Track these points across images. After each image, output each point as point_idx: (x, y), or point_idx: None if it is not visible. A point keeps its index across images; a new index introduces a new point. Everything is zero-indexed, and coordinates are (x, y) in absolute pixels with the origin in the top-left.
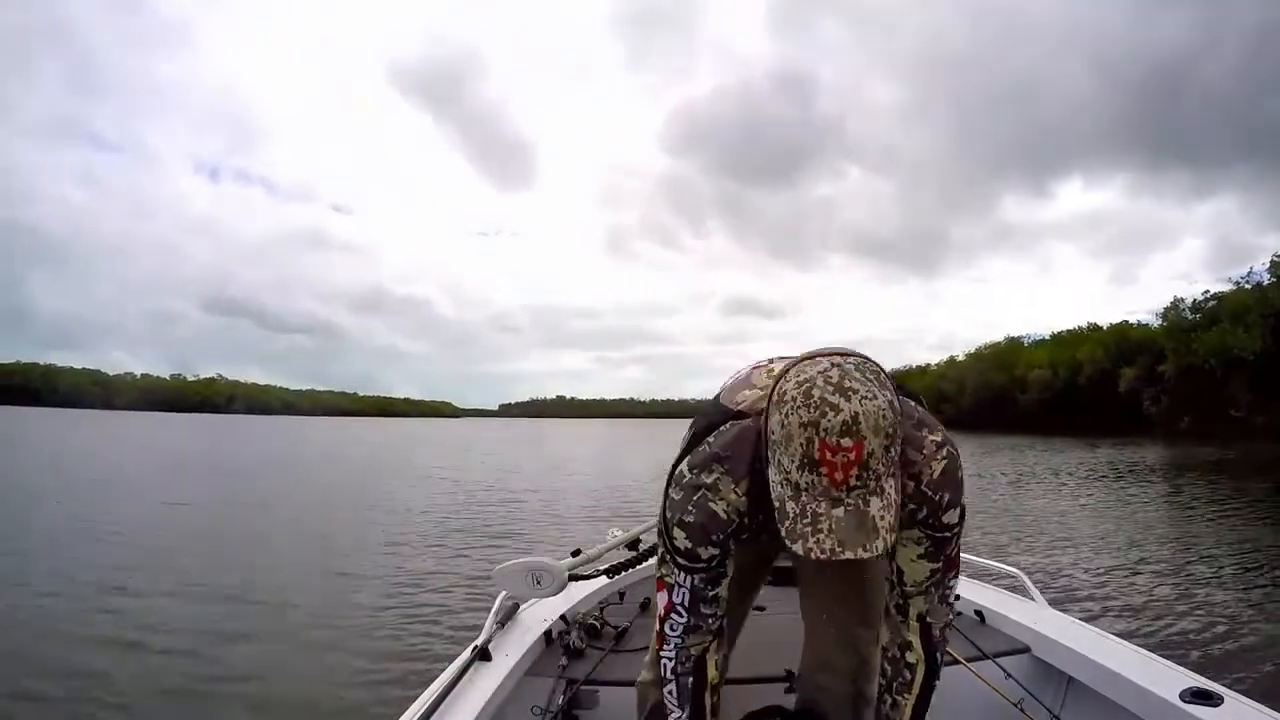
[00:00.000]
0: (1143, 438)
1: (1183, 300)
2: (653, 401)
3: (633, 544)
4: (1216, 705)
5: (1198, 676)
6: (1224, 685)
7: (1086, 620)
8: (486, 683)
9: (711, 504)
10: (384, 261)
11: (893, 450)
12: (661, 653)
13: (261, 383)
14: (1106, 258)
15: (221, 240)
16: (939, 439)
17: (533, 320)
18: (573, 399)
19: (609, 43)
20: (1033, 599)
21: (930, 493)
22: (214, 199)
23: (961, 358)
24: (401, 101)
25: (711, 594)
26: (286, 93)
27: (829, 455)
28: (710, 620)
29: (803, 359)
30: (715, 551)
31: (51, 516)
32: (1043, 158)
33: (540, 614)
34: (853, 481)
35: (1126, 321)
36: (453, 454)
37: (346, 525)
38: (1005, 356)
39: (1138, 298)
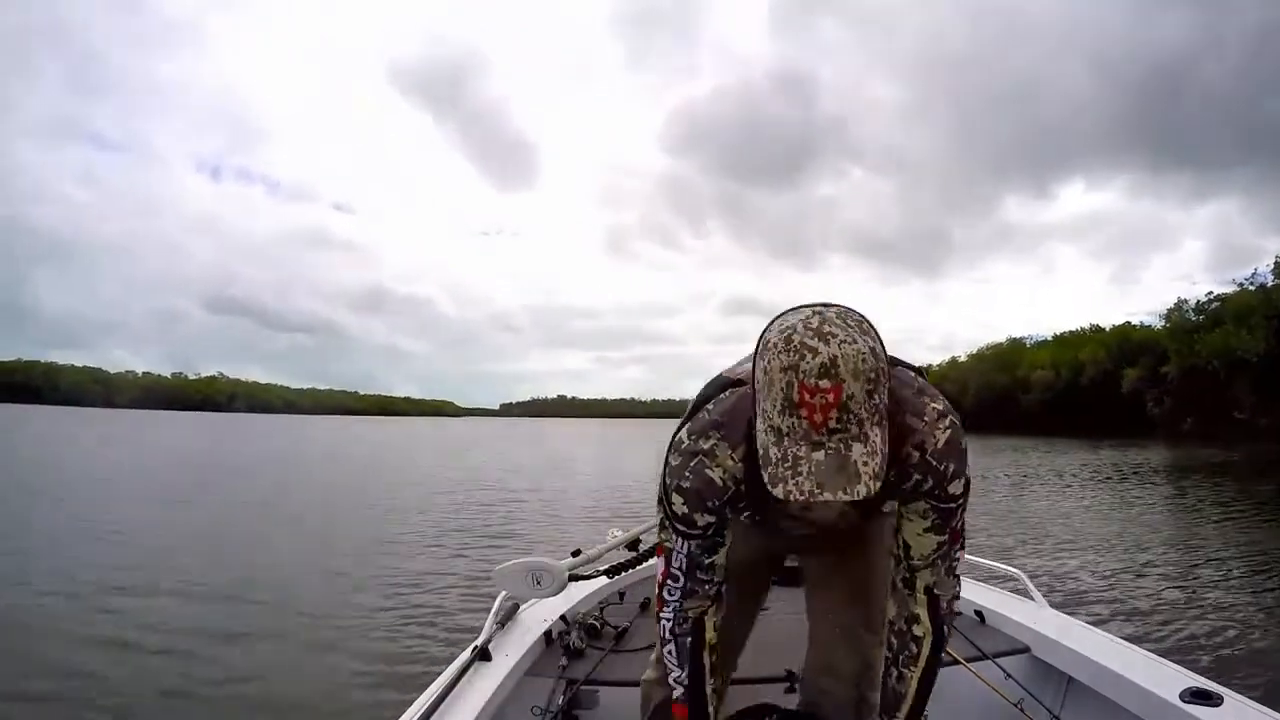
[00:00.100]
0: (1145, 439)
1: (1186, 301)
2: (653, 401)
3: (633, 544)
4: (1216, 705)
5: (1198, 677)
6: (1224, 686)
7: (1090, 621)
8: (486, 683)
9: (708, 470)
10: (385, 261)
11: (876, 398)
12: (661, 615)
13: (262, 381)
14: (1108, 259)
15: (223, 239)
16: (941, 408)
17: (533, 320)
18: (573, 399)
19: (609, 42)
20: (1033, 599)
21: (935, 462)
22: (215, 198)
23: (963, 358)
24: (402, 101)
25: (708, 561)
26: (288, 92)
27: (808, 397)
28: (707, 586)
29: (787, 311)
30: (711, 519)
31: (50, 515)
32: (1044, 159)
33: (540, 614)
34: (832, 424)
35: (1129, 322)
36: (453, 453)
37: (346, 525)
38: (1007, 357)
39: (1139, 299)
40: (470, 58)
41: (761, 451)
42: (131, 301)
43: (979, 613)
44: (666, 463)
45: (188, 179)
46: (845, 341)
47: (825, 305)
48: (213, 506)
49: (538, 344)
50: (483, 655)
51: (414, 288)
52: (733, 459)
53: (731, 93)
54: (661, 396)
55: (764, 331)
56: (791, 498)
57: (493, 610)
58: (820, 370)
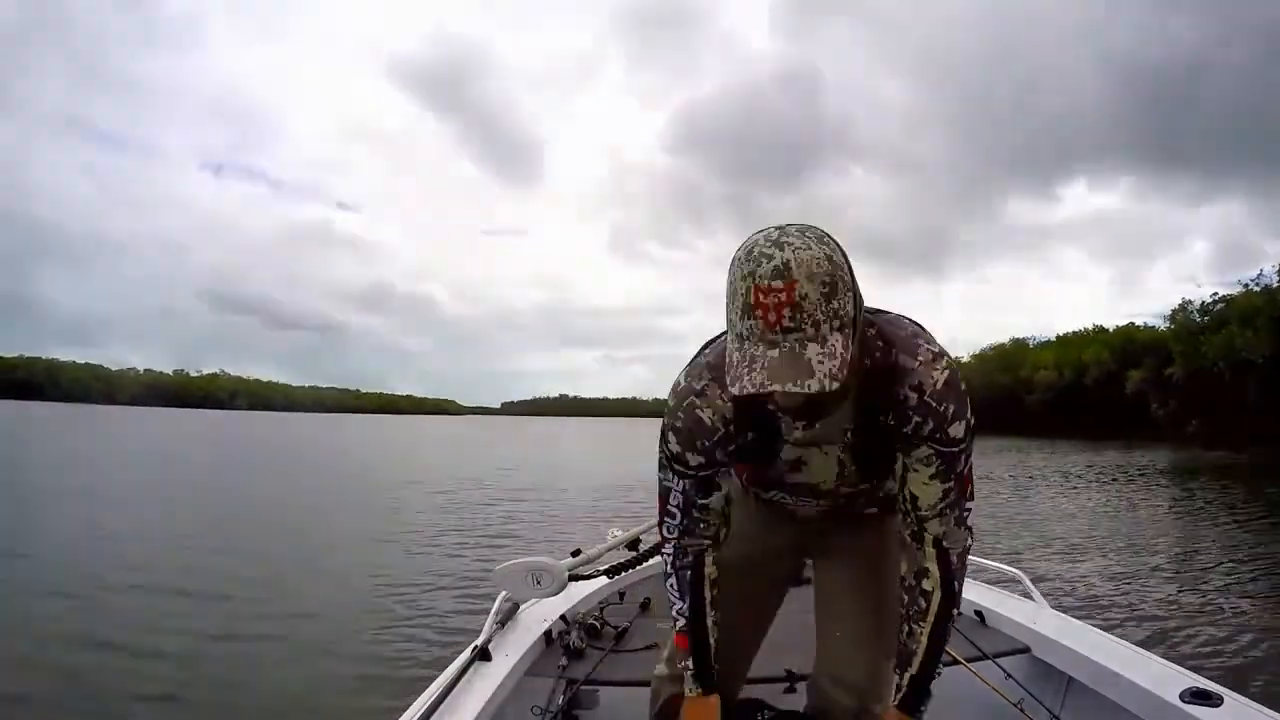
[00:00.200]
0: (1150, 441)
1: (1190, 302)
2: (654, 401)
3: (633, 544)
4: (1216, 705)
5: (1198, 677)
6: (1224, 686)
7: (1090, 622)
8: (486, 683)
9: (699, 410)
10: (388, 259)
11: (835, 303)
12: (663, 550)
13: (264, 379)
14: (1111, 260)
15: (226, 237)
16: (936, 349)
17: (537, 319)
18: (575, 397)
19: (615, 42)
20: (1033, 599)
21: (934, 403)
22: (219, 195)
23: (966, 359)
24: (407, 98)
25: (702, 502)
26: (292, 90)
27: (762, 298)
28: (703, 526)
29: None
30: (702, 459)
31: (45, 513)
32: (1048, 159)
33: (540, 614)
34: (786, 323)
35: (1133, 323)
36: (453, 453)
37: (345, 524)
38: (1010, 357)
39: (1142, 300)
40: (475, 55)
41: (727, 360)
42: (134, 298)
43: (979, 613)
44: (666, 404)
45: (191, 176)
46: (800, 248)
47: (789, 224)
48: (211, 505)
49: (541, 343)
50: (483, 655)
51: (417, 286)
52: (722, 399)
53: (736, 92)
54: (664, 396)
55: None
56: (745, 391)
57: (493, 610)
58: (774, 272)
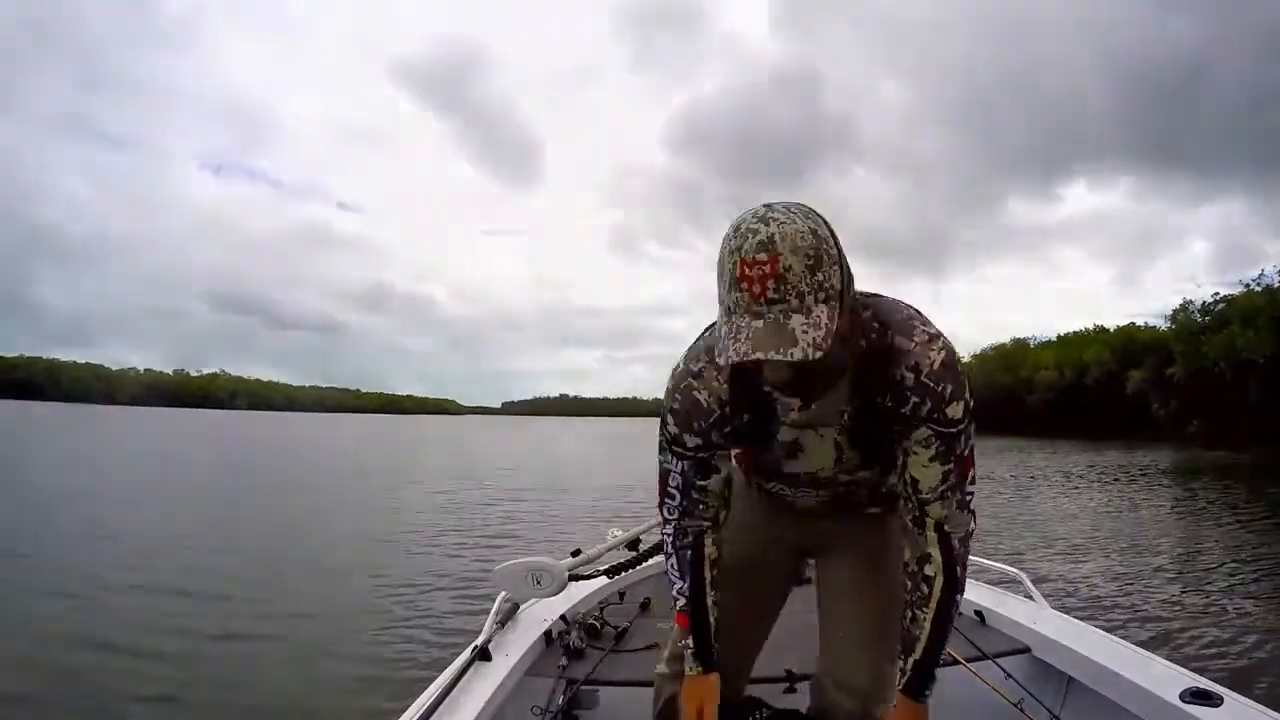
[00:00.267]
0: (1151, 441)
1: (1191, 302)
2: (654, 400)
3: (633, 544)
4: (1216, 705)
5: (1198, 677)
6: (1224, 685)
7: (1090, 622)
8: (486, 683)
9: (696, 393)
10: (389, 259)
11: (820, 275)
12: (663, 530)
13: (264, 379)
14: (1112, 260)
15: (226, 237)
16: (934, 331)
17: (537, 318)
18: (576, 397)
19: (616, 42)
20: (1033, 599)
21: (932, 384)
22: (219, 195)
23: (967, 359)
24: (407, 99)
25: (701, 483)
26: (293, 90)
27: (747, 270)
28: (702, 507)
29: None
30: (699, 440)
31: (40, 513)
32: (1049, 159)
33: (540, 614)
34: (770, 294)
35: (1133, 323)
36: (453, 452)
37: (345, 524)
38: (1011, 357)
39: (1143, 301)
40: (477, 56)
41: (718, 334)
42: (134, 298)
43: (979, 613)
44: (666, 387)
45: (191, 176)
46: (784, 223)
47: (777, 201)
48: (210, 505)
49: (541, 343)
50: (483, 655)
51: (417, 286)
52: (718, 381)
53: (737, 92)
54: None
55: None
56: (729, 360)
57: (493, 610)
58: (758, 246)
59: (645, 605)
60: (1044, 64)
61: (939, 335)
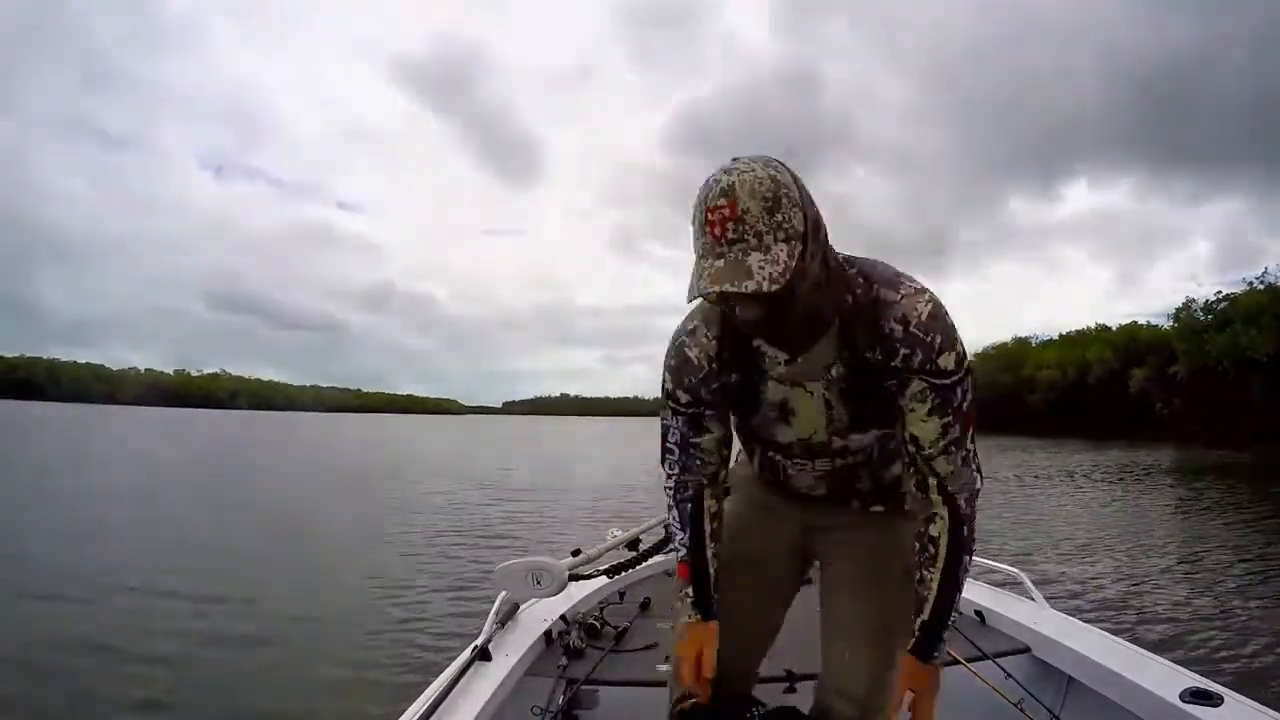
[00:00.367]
0: (1154, 440)
1: (1194, 301)
2: (655, 400)
3: (633, 544)
4: (1216, 705)
5: (1198, 676)
6: (1224, 685)
7: (1091, 621)
8: (486, 683)
9: (687, 349)
10: (390, 258)
11: (779, 216)
12: (666, 486)
13: (265, 379)
14: (1113, 259)
15: (227, 237)
16: (919, 286)
17: (538, 318)
18: (577, 397)
19: (616, 42)
20: (1033, 599)
21: (921, 334)
22: (220, 195)
23: (969, 357)
24: (407, 99)
25: (695, 440)
26: (293, 90)
27: (710, 215)
28: (699, 464)
29: None
30: (689, 397)
31: (41, 514)
32: (1049, 158)
33: (540, 614)
34: (730, 235)
35: (1136, 322)
36: (454, 452)
37: (344, 524)
38: (1012, 357)
39: (1143, 299)
40: (475, 55)
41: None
42: (135, 298)
43: (979, 613)
44: (666, 347)
45: (192, 175)
46: (744, 170)
47: (745, 155)
48: (210, 506)
49: (542, 342)
50: (483, 655)
51: (418, 286)
52: (708, 338)
53: (737, 91)
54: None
55: None
56: (692, 296)
57: (493, 610)
58: (720, 193)
59: (645, 605)
60: (1045, 63)
61: (926, 289)
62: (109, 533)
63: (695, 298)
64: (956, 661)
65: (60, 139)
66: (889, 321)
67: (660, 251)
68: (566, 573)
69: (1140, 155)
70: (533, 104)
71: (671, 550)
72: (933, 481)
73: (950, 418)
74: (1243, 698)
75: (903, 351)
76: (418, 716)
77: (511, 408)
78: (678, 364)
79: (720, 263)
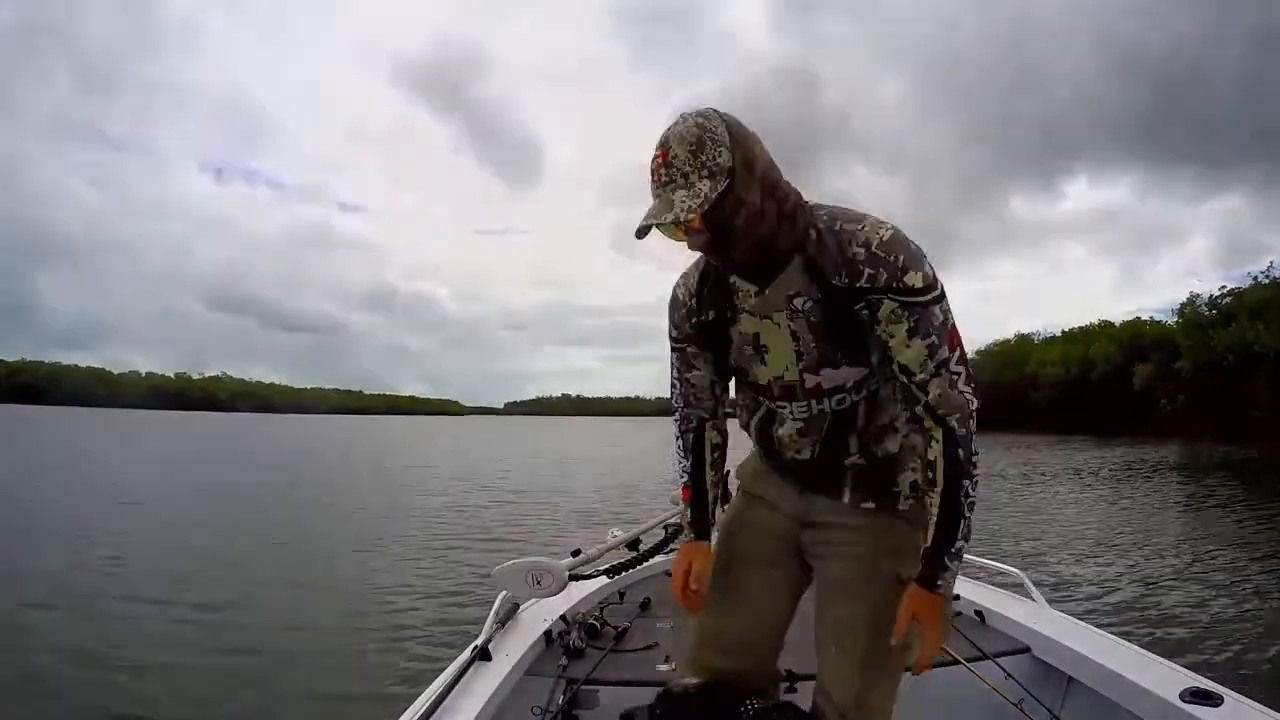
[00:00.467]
0: (1159, 436)
1: (1199, 296)
2: (657, 400)
3: (633, 544)
4: (1216, 705)
5: (1198, 676)
6: (1224, 685)
7: (1091, 621)
8: (486, 683)
9: (677, 289)
10: (391, 259)
11: (703, 156)
12: (673, 418)
13: (267, 380)
14: (1114, 256)
15: (227, 239)
16: (882, 220)
17: (539, 318)
18: (578, 397)
19: (616, 41)
20: (1033, 599)
21: (883, 254)
22: (220, 197)
23: (971, 355)
24: (407, 99)
25: (688, 375)
26: (293, 91)
27: (651, 165)
28: (694, 399)
29: None
30: (675, 331)
31: (36, 517)
32: (1051, 155)
33: (540, 614)
34: (663, 177)
35: (1139, 318)
36: (454, 453)
37: (345, 525)
38: (1015, 354)
39: (1145, 295)
40: (475, 55)
41: None
42: (136, 301)
43: (979, 613)
44: None
45: (192, 178)
46: (678, 122)
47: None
48: (210, 507)
49: (544, 342)
50: (483, 655)
51: (419, 286)
52: (692, 277)
53: (736, 89)
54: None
55: None
56: (636, 234)
57: (493, 610)
58: (658, 144)
59: (645, 605)
60: (1045, 60)
61: (888, 222)
62: (107, 537)
63: (636, 235)
64: (956, 661)
65: (60, 142)
66: (852, 246)
67: (662, 251)
68: (566, 573)
69: (1141, 152)
70: (533, 103)
71: (672, 550)
72: (925, 407)
73: (934, 338)
74: (1243, 698)
75: (867, 272)
76: (418, 716)
77: (513, 408)
78: (670, 302)
79: (655, 204)
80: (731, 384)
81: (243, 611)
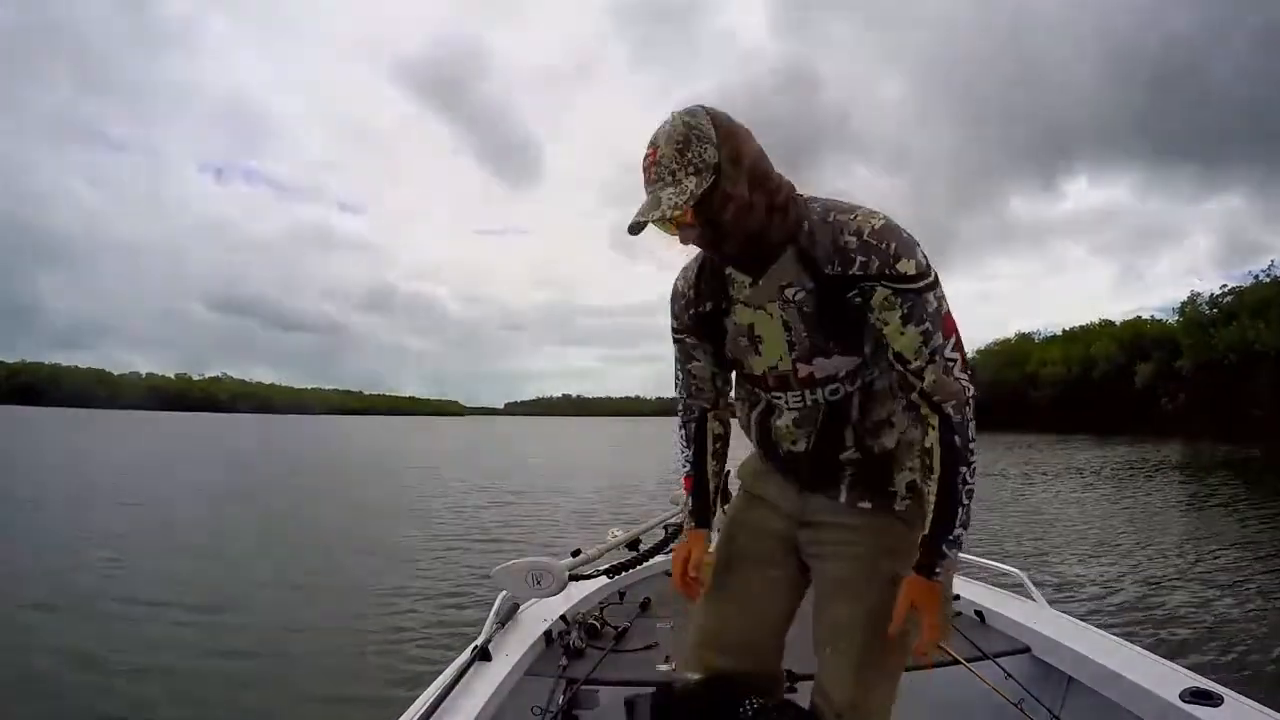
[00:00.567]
0: (1160, 435)
1: (1200, 294)
2: (658, 400)
3: (633, 544)
4: (1216, 705)
5: (1198, 676)
6: (1224, 685)
7: (1091, 621)
8: (486, 683)
9: (677, 282)
10: (392, 260)
11: (689, 154)
12: (677, 408)
13: (267, 381)
14: (1114, 255)
15: (227, 239)
16: (874, 210)
17: (540, 318)
18: (579, 397)
19: (615, 41)
20: (1033, 599)
21: (875, 242)
22: (220, 198)
23: (972, 354)
24: (407, 99)
25: (688, 366)
26: (292, 91)
27: (643, 163)
28: (695, 389)
29: None
30: (676, 322)
31: (29, 519)
32: (1050, 154)
33: (540, 614)
34: (652, 177)
35: (1140, 317)
36: (455, 454)
37: (345, 525)
38: (1016, 353)
39: (1145, 295)
40: (475, 55)
41: None
42: (136, 302)
43: (979, 613)
44: None
45: (192, 178)
46: (666, 122)
47: None
48: (206, 511)
49: (544, 342)
50: (483, 655)
51: (419, 286)
52: (691, 269)
53: (736, 89)
54: (668, 394)
55: None
56: (631, 233)
57: (493, 610)
58: (649, 143)
59: (645, 605)
60: (1044, 57)
61: (880, 212)
62: (106, 539)
63: (632, 233)
64: (956, 661)
65: (60, 142)
66: (844, 235)
67: (663, 250)
68: (566, 573)
69: (1142, 150)
70: (533, 103)
71: (671, 550)
72: (920, 394)
73: (928, 325)
74: (1243, 698)
75: (859, 259)
76: (418, 716)
77: (514, 409)
78: (671, 294)
79: (646, 201)
80: (733, 377)
81: (242, 612)
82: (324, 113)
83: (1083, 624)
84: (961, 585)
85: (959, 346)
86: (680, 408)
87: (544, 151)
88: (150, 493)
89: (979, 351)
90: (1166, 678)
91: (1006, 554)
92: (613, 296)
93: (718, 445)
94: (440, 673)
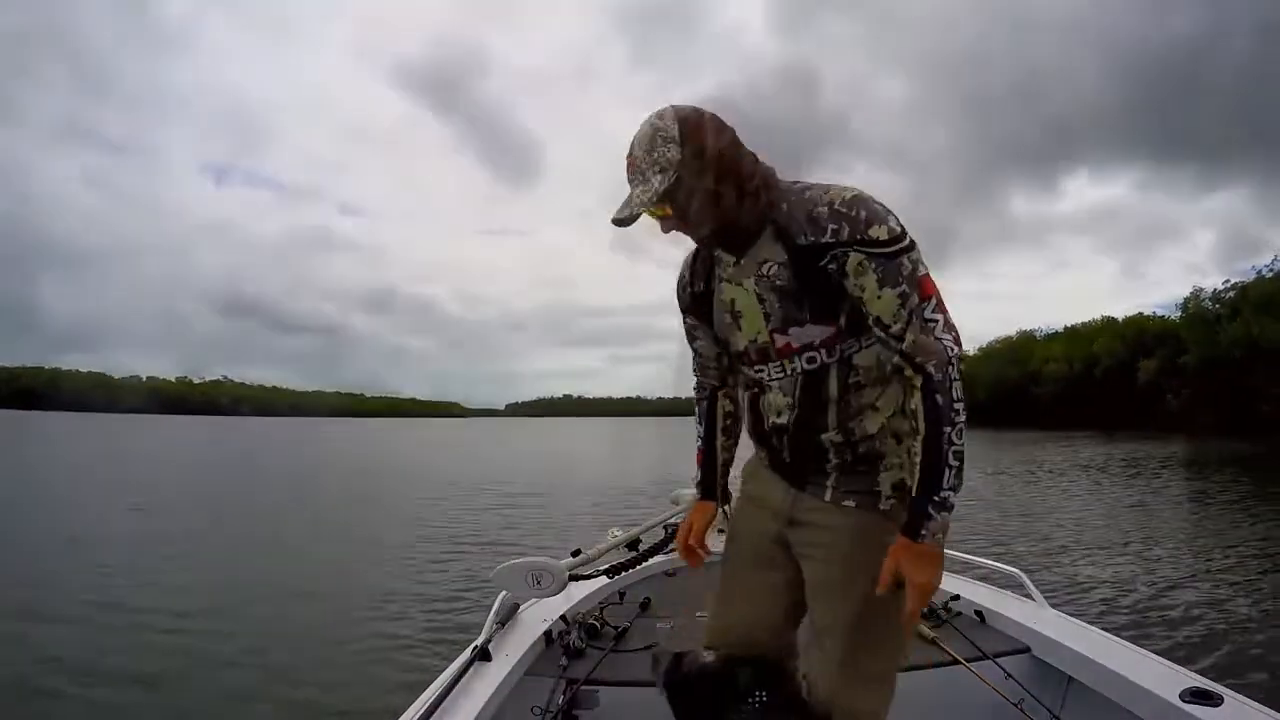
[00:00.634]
0: (1164, 432)
1: (1203, 290)
2: (658, 400)
3: (633, 544)
4: (1216, 705)
5: (1198, 676)
6: (1224, 685)
7: (1091, 621)
8: (486, 683)
9: (681, 269)
10: (392, 261)
11: (655, 154)
12: (694, 386)
13: (268, 384)
14: (1115, 252)
15: (228, 242)
16: (850, 185)
17: (541, 319)
18: (580, 397)
19: (615, 41)
20: (1033, 599)
21: (846, 210)
22: (221, 201)
23: (973, 353)
24: (407, 101)
25: (695, 345)
26: (295, 92)
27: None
28: (702, 367)
29: None
30: (679, 304)
31: (27, 523)
32: (1051, 152)
33: (540, 614)
34: (630, 178)
35: (1143, 313)
36: (455, 455)
37: (346, 526)
38: (1018, 350)
39: (1147, 292)
40: (476, 57)
41: None
42: (136, 305)
43: (979, 613)
44: None
45: (192, 180)
46: (640, 126)
47: None
48: (207, 513)
49: (545, 343)
50: (483, 655)
51: (420, 288)
52: (689, 260)
53: (735, 88)
54: (669, 394)
55: None
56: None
57: (493, 610)
58: (628, 148)
59: (645, 605)
60: (1045, 57)
61: (855, 186)
62: (107, 543)
63: (618, 224)
64: (956, 661)
65: (60, 145)
66: (817, 207)
67: (663, 250)
68: (566, 573)
69: (1142, 147)
70: (533, 103)
71: (671, 550)
72: (902, 356)
73: (904, 287)
74: (1243, 698)
75: (830, 227)
76: (418, 716)
77: (515, 409)
78: (677, 278)
79: (625, 198)
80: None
81: (243, 613)
82: (324, 113)
83: (1083, 624)
84: (961, 585)
85: (941, 308)
86: (694, 386)
87: (544, 151)
88: (151, 497)
89: (981, 349)
90: (1167, 678)
91: (1007, 554)
92: (613, 296)
93: (728, 421)
94: (440, 673)
